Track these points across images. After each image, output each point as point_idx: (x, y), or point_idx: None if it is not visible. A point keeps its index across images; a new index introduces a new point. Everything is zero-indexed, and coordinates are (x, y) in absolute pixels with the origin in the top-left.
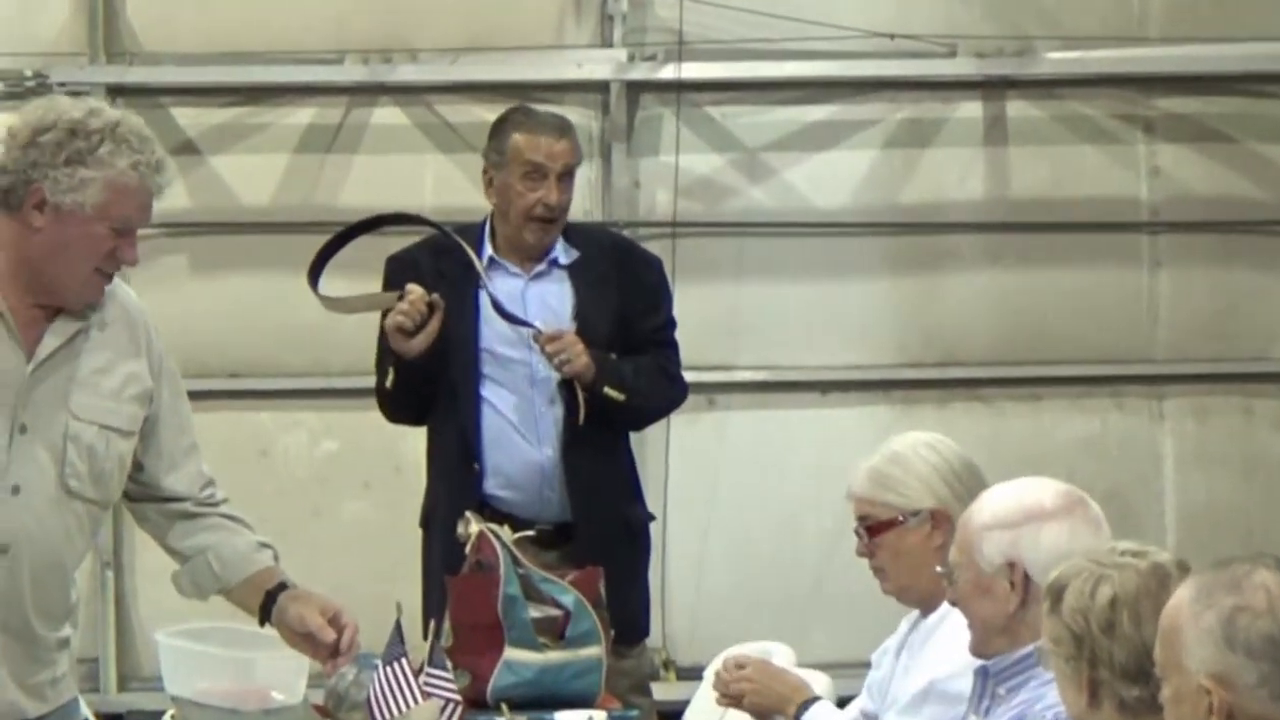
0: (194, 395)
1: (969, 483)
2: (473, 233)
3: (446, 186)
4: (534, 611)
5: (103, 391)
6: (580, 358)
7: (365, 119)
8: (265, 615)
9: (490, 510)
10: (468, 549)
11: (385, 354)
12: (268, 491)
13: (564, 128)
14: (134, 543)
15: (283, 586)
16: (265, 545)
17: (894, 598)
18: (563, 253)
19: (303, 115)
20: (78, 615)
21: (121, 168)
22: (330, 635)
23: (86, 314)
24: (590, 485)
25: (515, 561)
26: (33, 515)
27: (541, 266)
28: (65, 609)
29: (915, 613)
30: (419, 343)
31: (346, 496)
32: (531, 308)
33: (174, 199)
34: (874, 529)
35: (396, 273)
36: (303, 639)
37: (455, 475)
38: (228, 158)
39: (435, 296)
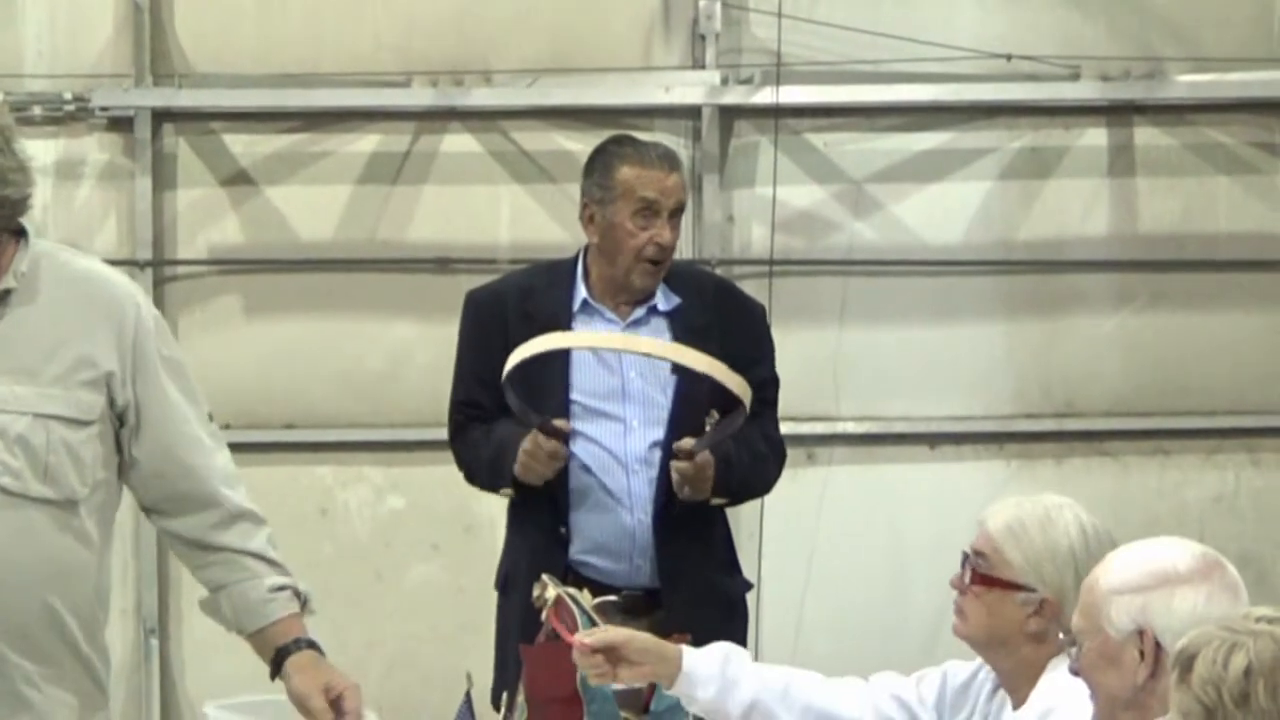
0: (246, 447)
1: None
2: (563, 271)
3: (523, 220)
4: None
5: (42, 378)
6: (703, 492)
7: (434, 147)
8: (276, 672)
9: (574, 576)
10: (544, 615)
11: (500, 467)
12: (327, 553)
13: (674, 160)
14: (180, 609)
15: (296, 644)
16: (282, 588)
17: (963, 640)
18: (662, 298)
19: (366, 143)
20: (94, 661)
21: None
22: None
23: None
24: (683, 553)
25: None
26: None
27: (640, 313)
28: (55, 638)
29: (991, 681)
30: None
31: (413, 558)
32: (627, 358)
33: (226, 233)
34: (981, 576)
35: (482, 311)
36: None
37: (539, 538)
38: (285, 189)
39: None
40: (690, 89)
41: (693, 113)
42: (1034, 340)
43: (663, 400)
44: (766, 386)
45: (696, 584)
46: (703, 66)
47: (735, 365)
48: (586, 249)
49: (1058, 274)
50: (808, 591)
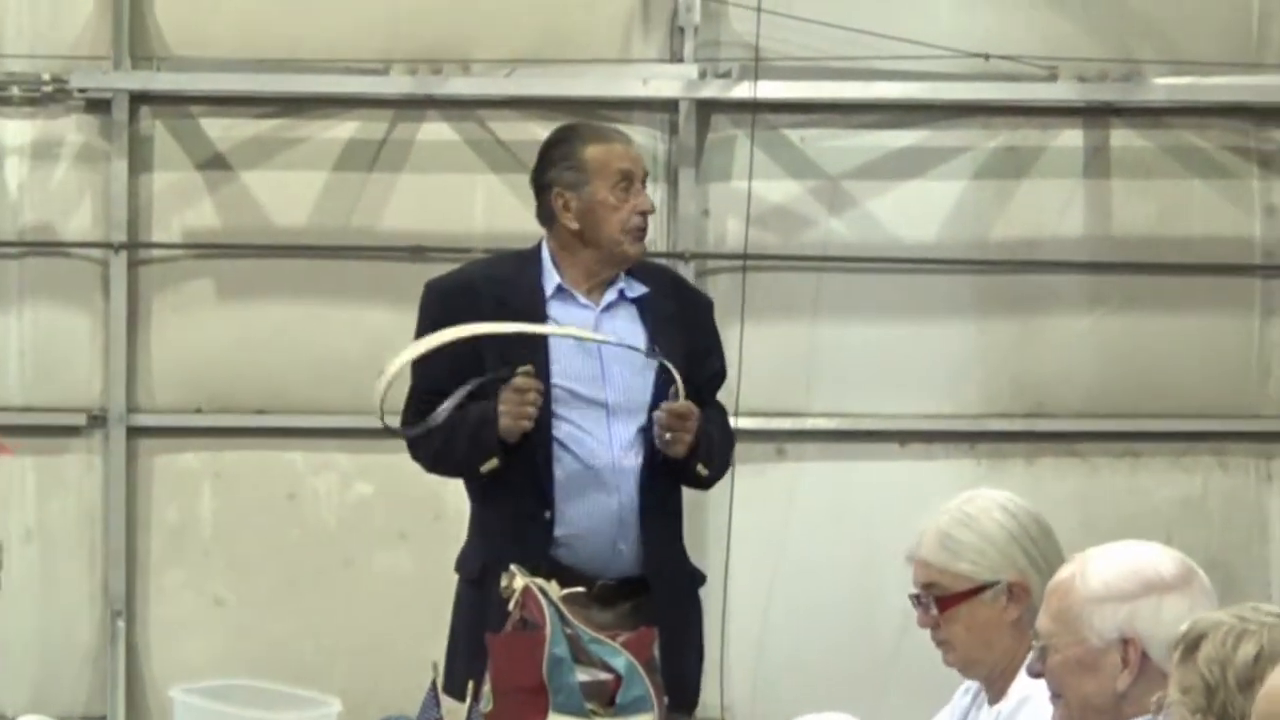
0: (217, 431)
1: (1044, 548)
2: (530, 260)
3: (498, 209)
4: (582, 675)
5: None
6: (683, 445)
7: (411, 134)
8: None
9: (550, 562)
10: (511, 605)
11: (478, 442)
12: (294, 538)
13: (627, 136)
14: (147, 592)
15: None
16: None
17: (958, 670)
18: (627, 285)
19: (343, 129)
20: None
21: None
22: None
23: None
24: (663, 537)
25: (563, 620)
26: None
27: (611, 297)
28: None
29: (974, 686)
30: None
31: (381, 546)
32: (603, 343)
33: (201, 217)
34: (945, 601)
35: (452, 299)
36: None
37: (524, 524)
38: (261, 174)
39: (529, 368)
40: (668, 82)
41: (670, 106)
42: (1006, 340)
43: (641, 384)
44: (720, 377)
45: (673, 569)
46: (681, 60)
47: (694, 355)
48: (544, 240)
49: (1031, 274)
50: (776, 588)
